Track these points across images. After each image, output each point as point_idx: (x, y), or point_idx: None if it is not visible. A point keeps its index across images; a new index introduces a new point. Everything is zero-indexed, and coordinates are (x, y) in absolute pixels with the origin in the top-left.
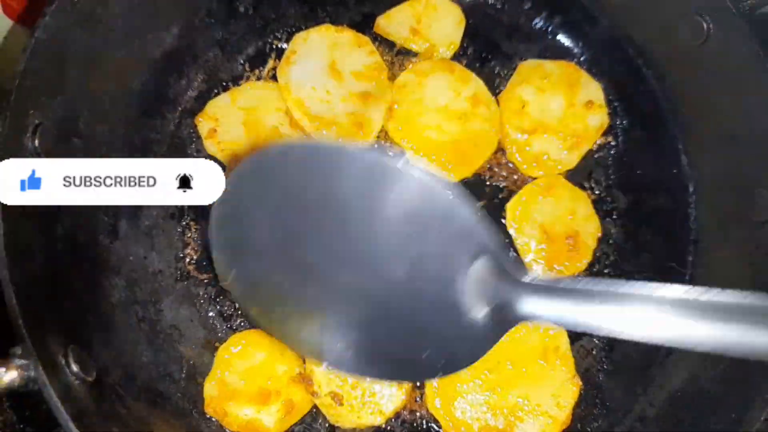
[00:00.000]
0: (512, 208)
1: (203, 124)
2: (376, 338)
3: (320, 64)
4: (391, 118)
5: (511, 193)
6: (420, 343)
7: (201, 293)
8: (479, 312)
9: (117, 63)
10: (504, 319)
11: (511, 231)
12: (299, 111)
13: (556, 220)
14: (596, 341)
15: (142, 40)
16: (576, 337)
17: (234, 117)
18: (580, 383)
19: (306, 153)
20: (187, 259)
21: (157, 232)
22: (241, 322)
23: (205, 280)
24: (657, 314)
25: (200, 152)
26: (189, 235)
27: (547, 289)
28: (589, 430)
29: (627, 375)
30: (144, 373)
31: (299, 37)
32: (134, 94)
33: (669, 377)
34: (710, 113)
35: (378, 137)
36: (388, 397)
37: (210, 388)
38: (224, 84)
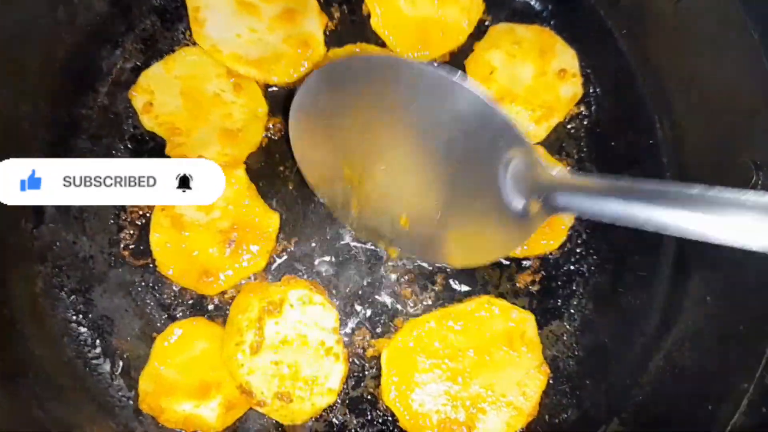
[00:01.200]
0: None
1: (137, 98)
2: (435, 225)
3: (228, 7)
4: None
5: None
6: (470, 230)
7: (137, 281)
8: (519, 204)
9: (40, 32)
10: (540, 211)
11: None
12: (239, 64)
13: None
14: (567, 326)
15: (69, 6)
16: (544, 322)
17: (170, 88)
18: (549, 371)
19: (373, 64)
20: (122, 244)
21: (88, 215)
22: (181, 311)
23: (143, 266)
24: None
25: (137, 128)
26: (125, 217)
27: (575, 184)
28: (557, 421)
29: (599, 362)
30: (68, 369)
31: None
32: (61, 67)
33: (644, 364)
34: (688, 79)
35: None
36: (331, 374)
37: (145, 383)
38: (163, 55)
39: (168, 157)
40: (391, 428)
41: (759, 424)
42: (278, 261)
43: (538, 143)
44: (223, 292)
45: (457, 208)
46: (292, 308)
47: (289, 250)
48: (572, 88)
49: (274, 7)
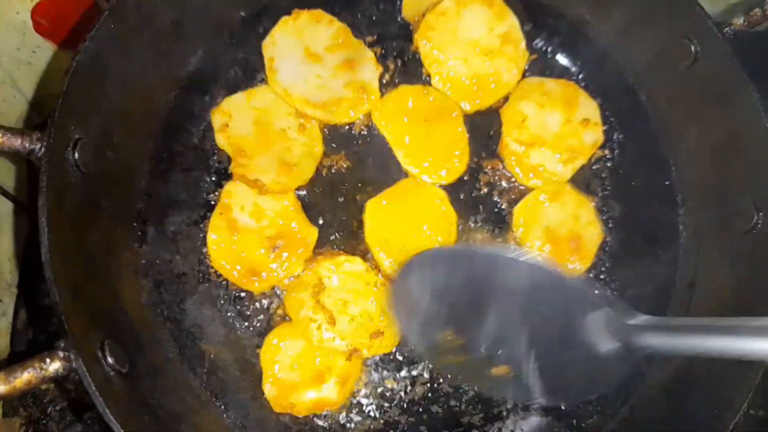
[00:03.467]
0: (518, 213)
1: (217, 117)
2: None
3: (297, 57)
4: (425, 44)
5: (511, 201)
6: (568, 377)
7: (221, 294)
8: (608, 346)
9: (148, 83)
10: (630, 351)
11: (517, 233)
12: (306, 106)
13: (560, 224)
14: None
15: (170, 62)
16: None
17: (246, 115)
18: None
19: (457, 254)
20: (209, 263)
21: (181, 237)
22: (257, 322)
23: (225, 283)
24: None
25: (221, 163)
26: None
27: (654, 327)
28: (584, 425)
29: None
30: (170, 367)
31: (267, 43)
32: (162, 111)
33: (656, 372)
34: (697, 130)
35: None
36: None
37: (270, 391)
38: None
39: (230, 174)
40: None
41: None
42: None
43: (566, 181)
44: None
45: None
46: (329, 278)
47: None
48: (594, 134)
49: (337, 56)
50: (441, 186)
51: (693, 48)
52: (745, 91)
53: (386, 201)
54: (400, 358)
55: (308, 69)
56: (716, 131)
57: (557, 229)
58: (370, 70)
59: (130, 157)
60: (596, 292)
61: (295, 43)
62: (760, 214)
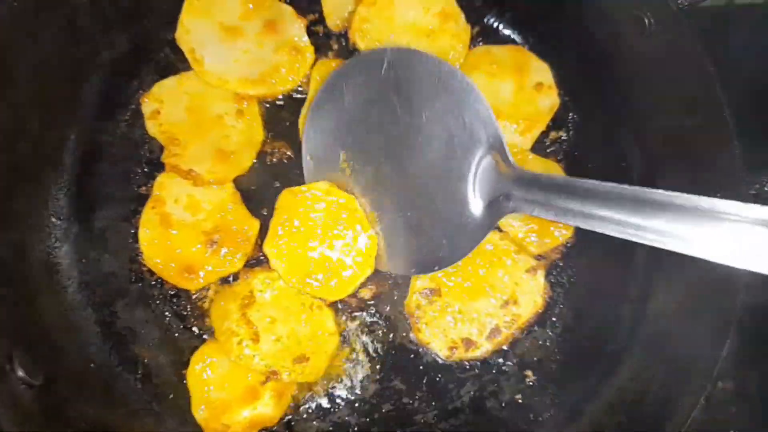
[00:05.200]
0: None
1: (147, 104)
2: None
3: (216, 37)
4: (363, 38)
5: None
6: (431, 236)
7: (156, 294)
8: (478, 207)
9: (65, 67)
10: (494, 214)
11: None
12: (245, 87)
13: None
14: (549, 333)
15: (91, 44)
16: (530, 329)
17: (179, 101)
18: None
19: (371, 57)
20: (141, 260)
21: (110, 233)
22: (195, 322)
23: (159, 282)
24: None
25: (153, 153)
26: None
27: (534, 182)
28: (541, 419)
29: (578, 365)
30: (96, 375)
31: (180, 34)
32: (84, 98)
33: (615, 367)
34: (653, 108)
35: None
36: (324, 321)
37: (201, 414)
38: None
39: (162, 164)
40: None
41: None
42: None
43: (528, 150)
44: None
45: (424, 207)
46: (262, 292)
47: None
48: (550, 99)
49: (255, 23)
50: None
51: (647, 21)
52: (701, 63)
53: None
54: (348, 355)
55: (232, 47)
56: (672, 109)
57: None
58: (294, 26)
59: (49, 150)
60: (498, 126)
61: (208, 24)
62: (718, 194)
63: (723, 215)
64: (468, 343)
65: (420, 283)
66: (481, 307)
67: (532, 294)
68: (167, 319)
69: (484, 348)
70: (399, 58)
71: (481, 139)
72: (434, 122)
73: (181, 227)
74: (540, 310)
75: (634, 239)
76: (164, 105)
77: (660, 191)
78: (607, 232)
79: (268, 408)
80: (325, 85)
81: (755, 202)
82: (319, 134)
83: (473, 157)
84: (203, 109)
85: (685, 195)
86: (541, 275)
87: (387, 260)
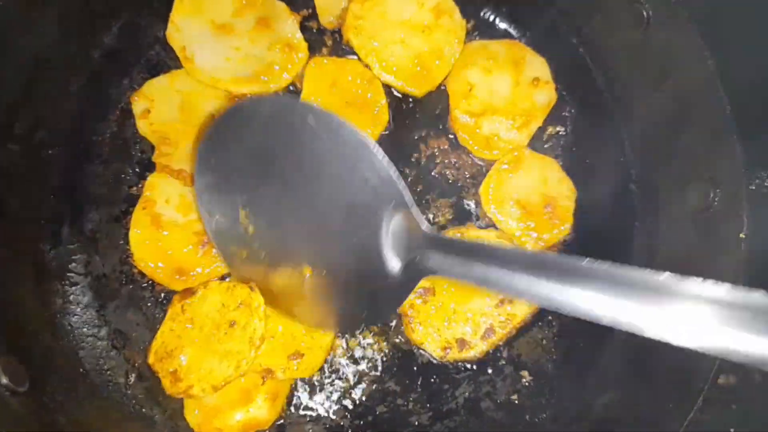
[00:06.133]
0: (485, 192)
1: (138, 103)
2: (317, 285)
3: (208, 35)
4: (357, 36)
5: (467, 179)
6: (350, 295)
7: (147, 296)
8: (395, 267)
9: (55, 65)
10: (414, 273)
11: (491, 215)
12: (238, 86)
13: (530, 192)
14: (546, 332)
15: (82, 40)
16: (526, 329)
17: (170, 99)
18: None
19: (271, 104)
20: (132, 262)
21: (100, 235)
22: None
23: (151, 284)
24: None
25: (144, 153)
26: None
27: (451, 246)
28: (537, 420)
29: (574, 365)
30: (86, 379)
31: (171, 32)
32: (74, 96)
33: (613, 367)
34: (651, 102)
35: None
36: None
37: (193, 418)
38: None
39: (153, 163)
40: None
41: (712, 419)
42: None
43: (524, 146)
44: None
45: (341, 267)
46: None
47: None
48: (546, 94)
49: (247, 20)
50: None
51: (645, 13)
52: (700, 57)
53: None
54: (342, 356)
55: (224, 44)
56: (670, 102)
57: (529, 198)
58: (288, 23)
59: (38, 149)
60: (403, 188)
61: (200, 22)
62: (717, 190)
63: (647, 288)
64: (462, 343)
65: None
66: (476, 306)
67: None
68: (158, 321)
69: (478, 348)
70: (282, 110)
71: (384, 198)
72: (333, 179)
73: (172, 228)
74: (536, 310)
75: (557, 309)
76: (155, 104)
77: (585, 261)
78: (533, 302)
79: (262, 411)
80: (206, 137)
81: (755, 198)
82: (213, 190)
83: (381, 217)
84: (195, 107)
85: (607, 265)
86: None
87: (315, 319)
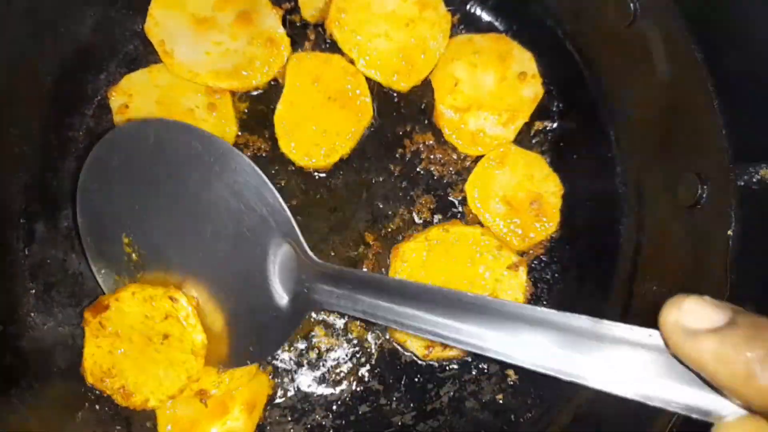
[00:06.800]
0: (470, 189)
1: (115, 97)
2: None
3: (187, 29)
4: (340, 30)
5: (452, 175)
6: (239, 326)
7: None
8: (282, 299)
9: (27, 60)
10: (302, 306)
11: (477, 212)
12: (217, 80)
13: (516, 188)
14: None
15: (55, 35)
16: None
17: (149, 94)
18: None
19: (159, 127)
20: None
21: (76, 233)
22: None
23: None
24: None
25: None
26: None
27: (339, 277)
28: (522, 420)
29: None
30: (60, 379)
31: (149, 26)
32: (49, 93)
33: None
34: (638, 96)
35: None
36: None
37: None
38: None
39: None
40: None
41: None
42: None
43: (510, 142)
44: None
45: (230, 298)
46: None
47: None
48: (533, 89)
49: (228, 14)
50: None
51: (632, 5)
52: (688, 51)
53: None
54: (317, 354)
55: (204, 39)
56: (657, 96)
57: (515, 195)
58: (270, 17)
59: (11, 147)
60: (290, 217)
61: (179, 15)
62: (705, 186)
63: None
64: None
65: None
66: None
67: (513, 291)
68: None
69: None
70: (166, 134)
71: (271, 226)
72: (220, 206)
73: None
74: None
75: (449, 343)
76: (133, 99)
77: (477, 296)
78: (423, 335)
79: (238, 422)
80: (89, 160)
81: (743, 193)
82: (94, 216)
83: (268, 245)
84: (174, 102)
85: (500, 301)
86: (523, 272)
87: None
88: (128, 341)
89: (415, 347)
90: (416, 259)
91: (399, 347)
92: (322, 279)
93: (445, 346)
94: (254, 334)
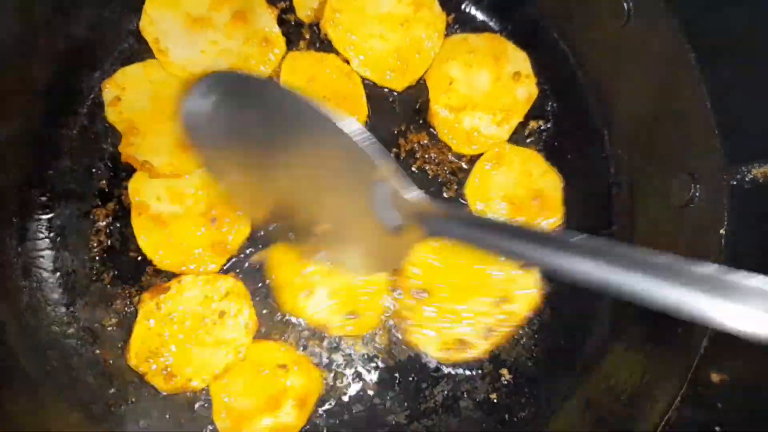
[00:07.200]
0: (470, 191)
1: (108, 90)
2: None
3: (182, 28)
4: (335, 29)
5: (447, 174)
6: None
7: (117, 293)
8: (396, 221)
9: (20, 57)
10: (413, 232)
11: (481, 215)
12: None
13: (516, 187)
14: (527, 330)
15: (49, 32)
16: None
17: (142, 89)
18: None
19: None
20: (104, 258)
21: (69, 231)
22: None
23: (120, 279)
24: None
25: (116, 147)
26: (103, 233)
27: (429, 209)
28: (516, 419)
29: (554, 363)
30: (52, 379)
31: (144, 24)
32: (43, 91)
33: (593, 364)
34: (631, 96)
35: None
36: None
37: (222, 422)
38: None
39: (119, 153)
40: None
41: (688, 419)
42: None
43: (505, 142)
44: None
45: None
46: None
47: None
48: (527, 89)
49: (224, 13)
50: None
51: (626, 6)
52: (681, 52)
53: None
54: (318, 354)
55: (199, 38)
56: (651, 97)
57: (516, 193)
58: (265, 16)
59: (4, 145)
60: (381, 161)
61: (175, 14)
62: (698, 186)
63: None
64: (462, 343)
65: (412, 281)
66: (475, 306)
67: (528, 289)
68: (129, 318)
69: (481, 348)
70: (256, 84)
71: (365, 170)
72: (316, 149)
73: (177, 221)
74: (537, 307)
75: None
76: (126, 92)
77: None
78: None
79: (290, 416)
80: (190, 93)
81: (735, 192)
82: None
83: (366, 187)
84: (167, 98)
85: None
86: (536, 270)
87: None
88: (181, 323)
89: (432, 351)
90: (423, 262)
91: (393, 347)
92: (416, 209)
93: (462, 348)
94: (375, 251)
